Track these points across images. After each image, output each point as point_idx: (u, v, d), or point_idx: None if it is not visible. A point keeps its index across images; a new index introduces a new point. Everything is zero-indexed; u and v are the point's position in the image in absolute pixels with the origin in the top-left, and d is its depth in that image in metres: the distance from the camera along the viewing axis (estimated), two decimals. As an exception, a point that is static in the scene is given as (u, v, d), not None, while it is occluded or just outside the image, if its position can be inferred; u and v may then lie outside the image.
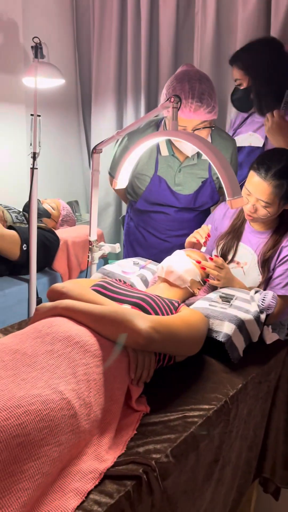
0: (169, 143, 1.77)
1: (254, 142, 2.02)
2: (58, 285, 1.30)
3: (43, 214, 2.19)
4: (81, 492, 0.85)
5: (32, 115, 1.71)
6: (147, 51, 2.38)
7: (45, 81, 1.90)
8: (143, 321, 1.10)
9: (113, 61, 2.52)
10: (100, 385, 1.02)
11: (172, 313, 1.28)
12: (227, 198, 1.20)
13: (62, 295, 1.25)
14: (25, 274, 1.96)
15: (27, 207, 2.21)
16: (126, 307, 1.21)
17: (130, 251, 2.10)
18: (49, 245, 1.98)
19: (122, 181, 1.47)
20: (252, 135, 2.03)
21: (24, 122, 2.57)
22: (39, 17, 2.55)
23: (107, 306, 1.19)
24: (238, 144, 1.99)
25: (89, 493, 0.86)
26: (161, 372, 1.23)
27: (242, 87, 1.91)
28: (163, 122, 1.78)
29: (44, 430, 0.86)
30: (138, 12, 2.35)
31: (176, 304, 1.32)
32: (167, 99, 1.32)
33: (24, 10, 2.42)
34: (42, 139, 1.81)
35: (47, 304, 1.23)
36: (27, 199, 2.42)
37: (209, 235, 1.66)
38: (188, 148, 1.69)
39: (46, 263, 2.02)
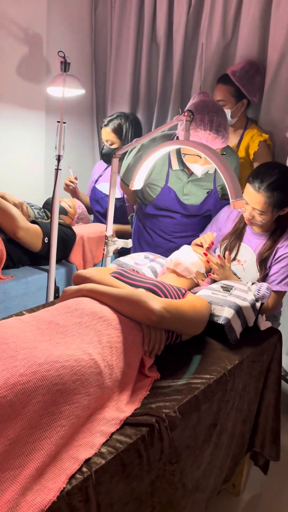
0: (180, 159, 1.98)
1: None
2: (82, 271, 1.50)
3: (61, 211, 2.38)
4: (106, 433, 1.05)
5: (58, 122, 1.92)
6: (163, 66, 2.60)
7: (68, 91, 2.11)
8: (156, 302, 1.30)
9: (129, 74, 2.73)
10: (120, 352, 1.22)
11: (179, 298, 1.48)
12: (230, 200, 1.40)
13: (86, 279, 1.45)
14: (44, 264, 2.15)
15: (46, 205, 2.41)
16: (141, 290, 1.41)
17: (138, 249, 2.29)
18: (67, 240, 2.18)
19: (138, 183, 1.67)
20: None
21: (43, 127, 2.77)
22: (61, 31, 2.76)
23: (125, 289, 1.38)
24: (105, 191, 2.62)
25: (112, 434, 1.06)
26: (169, 349, 1.43)
27: (113, 147, 2.51)
28: (175, 138, 1.98)
29: (77, 382, 1.06)
30: (154, 30, 2.57)
31: (183, 291, 1.52)
32: (182, 113, 1.52)
33: (48, 25, 2.64)
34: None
35: (73, 287, 1.43)
36: (45, 197, 2.63)
37: (212, 243, 1.84)
38: (198, 169, 1.90)
39: (63, 255, 2.21)
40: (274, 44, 2.15)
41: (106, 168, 2.66)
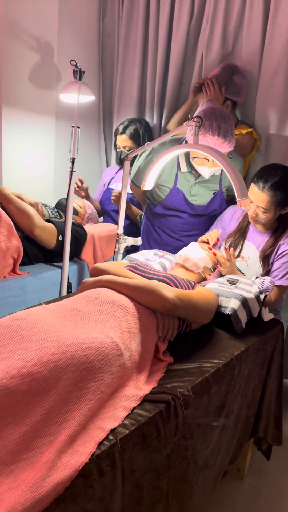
0: (188, 162, 2.10)
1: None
2: (99, 264, 1.61)
3: (72, 211, 2.49)
4: (127, 408, 1.16)
5: (72, 126, 2.03)
6: (164, 74, 2.73)
7: (80, 97, 2.22)
8: (170, 291, 1.41)
9: (135, 80, 2.86)
10: (138, 337, 1.33)
11: (189, 290, 1.59)
12: (237, 198, 1.52)
13: (103, 271, 1.57)
14: (57, 262, 2.26)
15: (58, 205, 2.52)
16: (155, 281, 1.52)
17: (147, 247, 2.41)
18: (79, 238, 2.29)
19: (149, 184, 1.79)
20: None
21: (53, 132, 2.88)
22: (71, 39, 2.88)
23: (140, 280, 1.49)
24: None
25: (133, 409, 1.17)
26: (180, 337, 1.54)
27: (130, 151, 2.63)
28: (184, 141, 2.10)
29: (101, 362, 1.17)
30: (156, 41, 2.71)
31: (193, 283, 1.63)
32: (191, 119, 1.64)
33: (59, 33, 2.76)
34: (67, 147, 2.12)
35: (91, 278, 1.54)
36: (54, 198, 2.74)
37: (218, 240, 1.96)
38: (205, 172, 2.02)
39: (75, 253, 2.32)
40: (270, 53, 2.26)
41: (117, 171, 2.80)
